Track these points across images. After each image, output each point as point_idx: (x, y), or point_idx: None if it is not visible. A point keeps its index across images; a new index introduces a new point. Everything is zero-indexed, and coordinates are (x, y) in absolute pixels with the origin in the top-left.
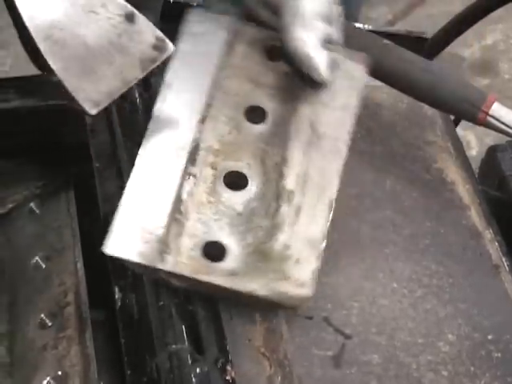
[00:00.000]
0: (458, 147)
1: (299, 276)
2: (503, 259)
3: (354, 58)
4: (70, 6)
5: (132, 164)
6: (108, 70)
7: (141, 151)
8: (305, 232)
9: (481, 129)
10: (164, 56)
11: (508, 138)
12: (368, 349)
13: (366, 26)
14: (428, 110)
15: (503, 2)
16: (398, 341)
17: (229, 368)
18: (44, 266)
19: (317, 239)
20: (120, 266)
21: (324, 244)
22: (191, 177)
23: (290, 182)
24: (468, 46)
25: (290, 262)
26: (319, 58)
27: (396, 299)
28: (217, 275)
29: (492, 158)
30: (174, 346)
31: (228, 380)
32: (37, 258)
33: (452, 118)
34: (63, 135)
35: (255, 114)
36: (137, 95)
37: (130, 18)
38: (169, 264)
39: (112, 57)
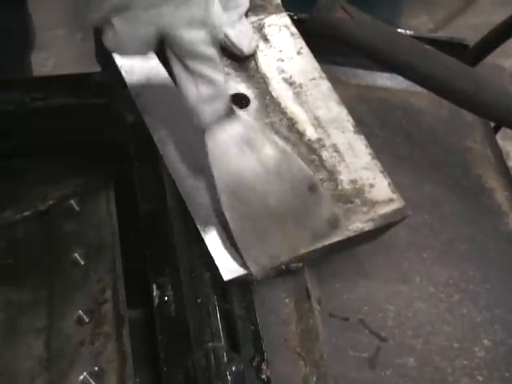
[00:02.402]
0: (498, 154)
1: (383, 196)
2: None
3: (276, 11)
4: (260, 166)
5: None
6: (280, 236)
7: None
8: (355, 161)
9: None
10: (336, 238)
11: None
12: (403, 352)
13: (408, 32)
14: (468, 116)
15: None
16: (433, 345)
17: (264, 367)
18: (82, 263)
19: (368, 161)
20: (158, 263)
21: (377, 161)
22: None
23: (310, 133)
24: (509, 57)
25: (366, 190)
26: (236, 36)
27: (432, 303)
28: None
29: None
30: (210, 344)
31: (263, 379)
32: (75, 254)
33: (492, 124)
34: (104, 133)
35: (238, 101)
36: None
37: (312, 188)
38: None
39: (287, 223)
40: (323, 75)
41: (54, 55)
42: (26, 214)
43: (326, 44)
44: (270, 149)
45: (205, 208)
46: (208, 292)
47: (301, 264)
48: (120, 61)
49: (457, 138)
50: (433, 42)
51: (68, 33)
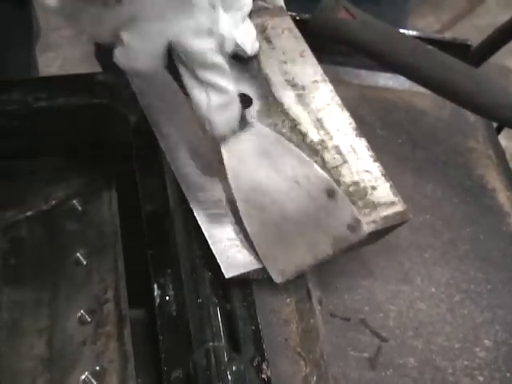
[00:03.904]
0: (500, 155)
1: (385, 198)
2: None
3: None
4: (277, 174)
5: None
6: (300, 242)
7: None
8: (357, 163)
9: None
10: (357, 238)
11: None
12: (404, 352)
13: (411, 32)
14: (470, 117)
15: None
16: (434, 345)
17: (264, 367)
18: (85, 263)
19: (370, 164)
20: (160, 263)
21: (379, 163)
22: None
23: (313, 135)
24: None
25: (369, 193)
26: (240, 37)
27: (434, 304)
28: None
29: None
30: (211, 344)
31: (263, 378)
32: (78, 254)
33: (494, 125)
34: (106, 134)
35: (242, 101)
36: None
37: (330, 193)
38: None
39: (307, 229)
40: (325, 78)
41: (61, 56)
42: (29, 213)
43: (328, 44)
44: (285, 156)
45: (207, 205)
46: (209, 292)
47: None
48: None
49: (459, 138)
50: (436, 42)
51: (74, 34)
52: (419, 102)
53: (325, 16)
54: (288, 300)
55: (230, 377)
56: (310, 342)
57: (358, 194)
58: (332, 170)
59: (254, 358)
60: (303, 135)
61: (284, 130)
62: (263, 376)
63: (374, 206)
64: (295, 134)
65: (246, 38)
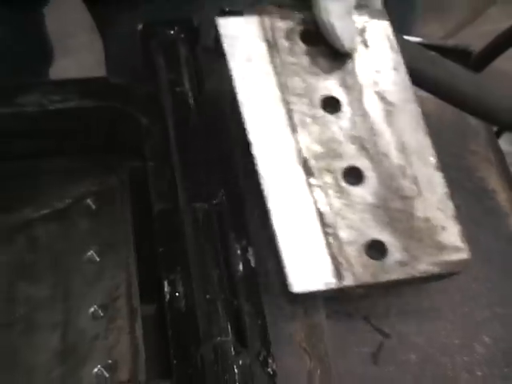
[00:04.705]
0: (500, 157)
1: (452, 242)
2: None
3: (379, 17)
4: None
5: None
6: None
7: (264, 185)
8: (432, 198)
9: None
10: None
11: None
12: (406, 348)
13: (413, 39)
14: (472, 121)
15: None
16: (435, 342)
17: (270, 361)
18: (98, 260)
19: (444, 201)
20: (170, 261)
21: (451, 203)
22: (316, 187)
23: (393, 157)
24: None
25: (437, 232)
26: (341, 28)
27: None
28: (391, 271)
29: None
30: (218, 338)
31: (269, 372)
32: (91, 251)
33: (494, 129)
34: (119, 135)
35: (330, 104)
36: (190, 100)
37: None
38: (350, 278)
39: None
40: (415, 98)
41: (77, 61)
42: (44, 212)
43: None
44: None
45: (289, 216)
46: (217, 289)
47: (363, 291)
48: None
49: (461, 141)
50: (438, 48)
51: (90, 40)
52: (423, 106)
53: None
54: None
55: (236, 370)
56: (314, 338)
57: (428, 232)
58: (405, 200)
59: (260, 352)
60: (383, 155)
61: (367, 145)
62: (269, 370)
63: (441, 247)
64: (376, 151)
65: (347, 31)
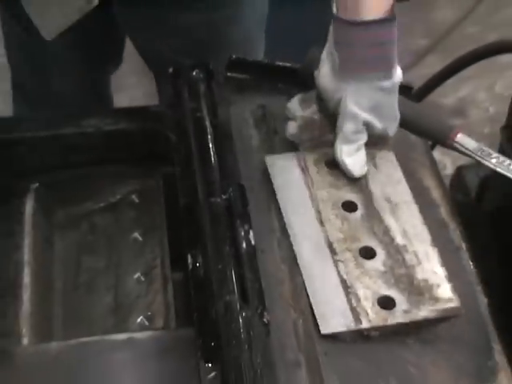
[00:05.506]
0: (433, 163)
1: (445, 295)
2: (463, 243)
3: (384, 150)
4: None
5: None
6: None
7: (300, 261)
8: (430, 267)
9: (454, 154)
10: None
11: (471, 160)
12: None
13: None
14: (412, 137)
15: (463, 66)
16: None
17: (265, 313)
18: (140, 240)
19: (438, 268)
20: (192, 240)
21: (444, 269)
22: (339, 262)
23: (399, 240)
24: (446, 97)
25: (434, 289)
26: (351, 163)
27: None
28: (398, 317)
29: (459, 173)
30: (227, 297)
31: (264, 322)
32: (135, 233)
33: (429, 143)
34: (156, 148)
35: (349, 206)
36: (207, 123)
37: None
38: (366, 322)
39: None
40: (413, 200)
41: (129, 95)
42: (101, 205)
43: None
44: None
45: (319, 281)
46: (226, 261)
47: (378, 333)
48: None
49: (404, 152)
50: None
51: (138, 79)
52: None
53: (309, 66)
54: (282, 266)
55: (240, 320)
56: (297, 296)
57: (426, 289)
58: (408, 268)
59: (258, 307)
60: (391, 239)
61: (378, 233)
62: (264, 320)
63: (437, 299)
64: (386, 237)
65: (357, 165)
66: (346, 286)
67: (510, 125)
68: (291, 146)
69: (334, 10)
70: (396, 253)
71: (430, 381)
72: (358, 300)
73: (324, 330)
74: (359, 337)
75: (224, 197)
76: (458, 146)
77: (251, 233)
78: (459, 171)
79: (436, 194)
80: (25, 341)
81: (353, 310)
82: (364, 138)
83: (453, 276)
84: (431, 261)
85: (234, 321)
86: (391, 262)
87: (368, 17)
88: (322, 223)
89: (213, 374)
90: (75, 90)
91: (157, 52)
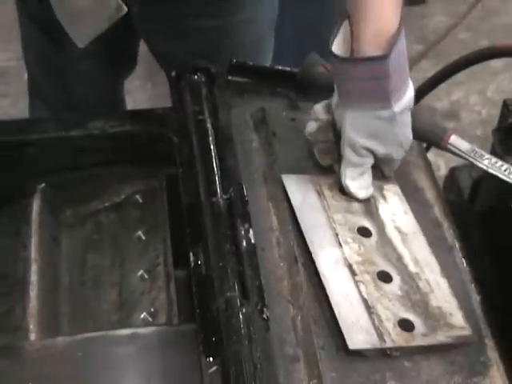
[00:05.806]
0: (427, 164)
1: (458, 323)
2: (456, 242)
3: (391, 182)
4: None
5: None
6: None
7: (324, 281)
8: (442, 296)
9: (448, 156)
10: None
11: (464, 161)
12: None
13: None
14: None
15: (455, 71)
16: None
17: (265, 310)
18: (144, 238)
19: (449, 296)
20: (194, 238)
21: (455, 298)
22: (360, 283)
23: (411, 268)
24: (440, 100)
25: (447, 317)
26: (355, 187)
27: None
28: (418, 339)
29: (452, 174)
30: (228, 294)
31: (264, 318)
32: (139, 232)
33: (424, 145)
34: (159, 150)
35: (364, 232)
36: (209, 125)
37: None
38: (390, 342)
39: None
40: (420, 230)
41: (133, 99)
42: (106, 204)
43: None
44: None
45: (343, 301)
46: (227, 258)
47: (398, 353)
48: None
49: None
50: None
51: (142, 83)
52: None
53: (308, 70)
54: (281, 264)
55: (241, 316)
56: (296, 293)
57: (441, 316)
58: (423, 294)
59: (258, 303)
60: (405, 266)
61: (392, 259)
62: (264, 316)
63: (451, 326)
64: (400, 264)
65: (361, 188)
66: (368, 306)
67: (502, 127)
68: (290, 148)
69: (331, 46)
70: (410, 279)
71: (424, 375)
72: (381, 321)
73: (352, 346)
74: (381, 354)
75: (225, 197)
76: (451, 147)
77: (251, 231)
78: (452, 172)
79: (430, 194)
80: (32, 336)
81: (376, 329)
82: (368, 162)
83: (446, 274)
84: (442, 290)
85: (235, 317)
86: (407, 288)
87: (362, 54)
88: (340, 245)
89: (214, 368)
90: (93, 94)
91: (171, 54)
